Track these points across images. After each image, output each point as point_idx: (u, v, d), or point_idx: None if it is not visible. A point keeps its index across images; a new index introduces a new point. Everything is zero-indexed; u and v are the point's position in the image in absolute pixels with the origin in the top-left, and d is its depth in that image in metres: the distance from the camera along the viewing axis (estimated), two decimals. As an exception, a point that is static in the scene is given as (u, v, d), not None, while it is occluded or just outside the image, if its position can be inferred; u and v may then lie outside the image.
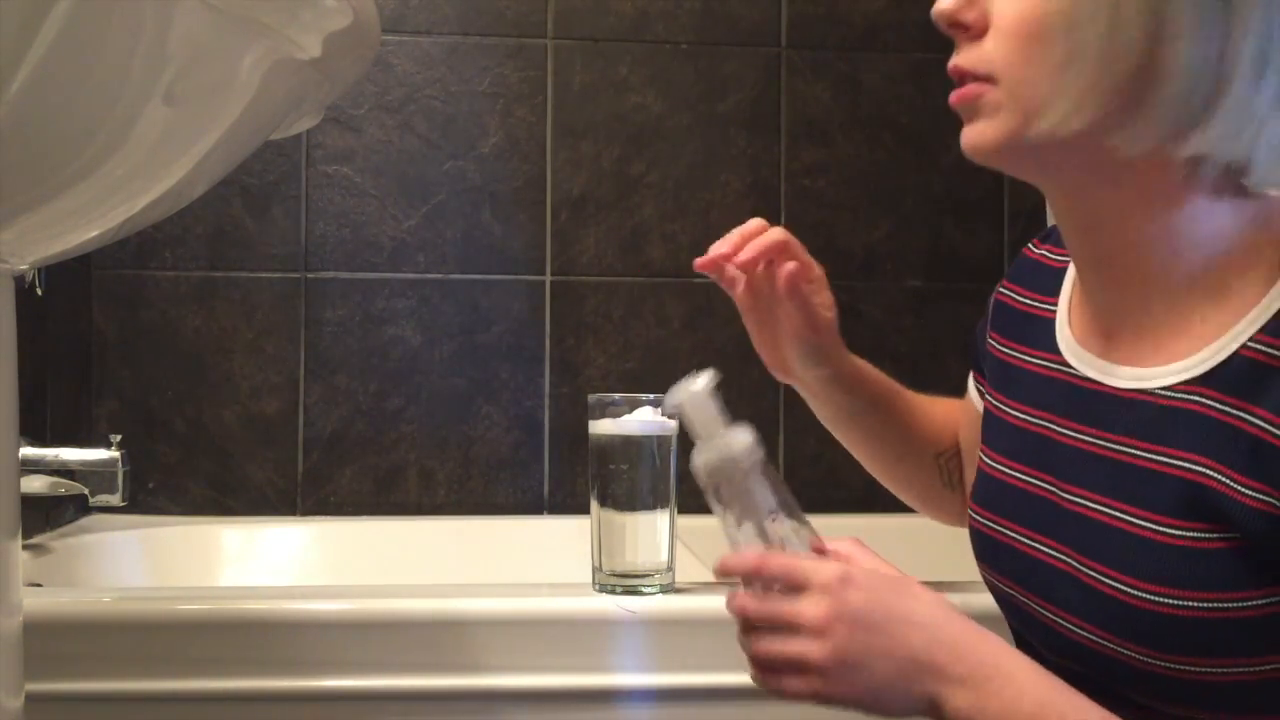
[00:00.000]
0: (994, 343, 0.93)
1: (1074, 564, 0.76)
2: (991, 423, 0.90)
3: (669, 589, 1.01)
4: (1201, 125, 0.70)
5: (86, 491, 1.39)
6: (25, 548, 1.33)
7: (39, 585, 1.22)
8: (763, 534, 0.80)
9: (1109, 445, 0.76)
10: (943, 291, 1.82)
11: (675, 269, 1.77)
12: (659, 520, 1.01)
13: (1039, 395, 0.84)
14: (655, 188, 1.78)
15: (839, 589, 0.74)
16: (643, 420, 1.02)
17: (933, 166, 1.81)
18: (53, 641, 0.92)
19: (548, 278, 1.76)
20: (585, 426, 1.03)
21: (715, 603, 1.00)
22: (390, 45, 1.72)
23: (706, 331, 1.78)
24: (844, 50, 1.79)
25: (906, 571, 0.80)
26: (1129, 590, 0.71)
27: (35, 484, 1.35)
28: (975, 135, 0.76)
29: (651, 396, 1.02)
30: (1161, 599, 0.70)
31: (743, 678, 0.97)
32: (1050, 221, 1.55)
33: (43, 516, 1.46)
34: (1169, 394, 0.73)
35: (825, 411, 1.04)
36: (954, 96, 0.76)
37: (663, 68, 1.78)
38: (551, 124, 1.76)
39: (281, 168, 1.72)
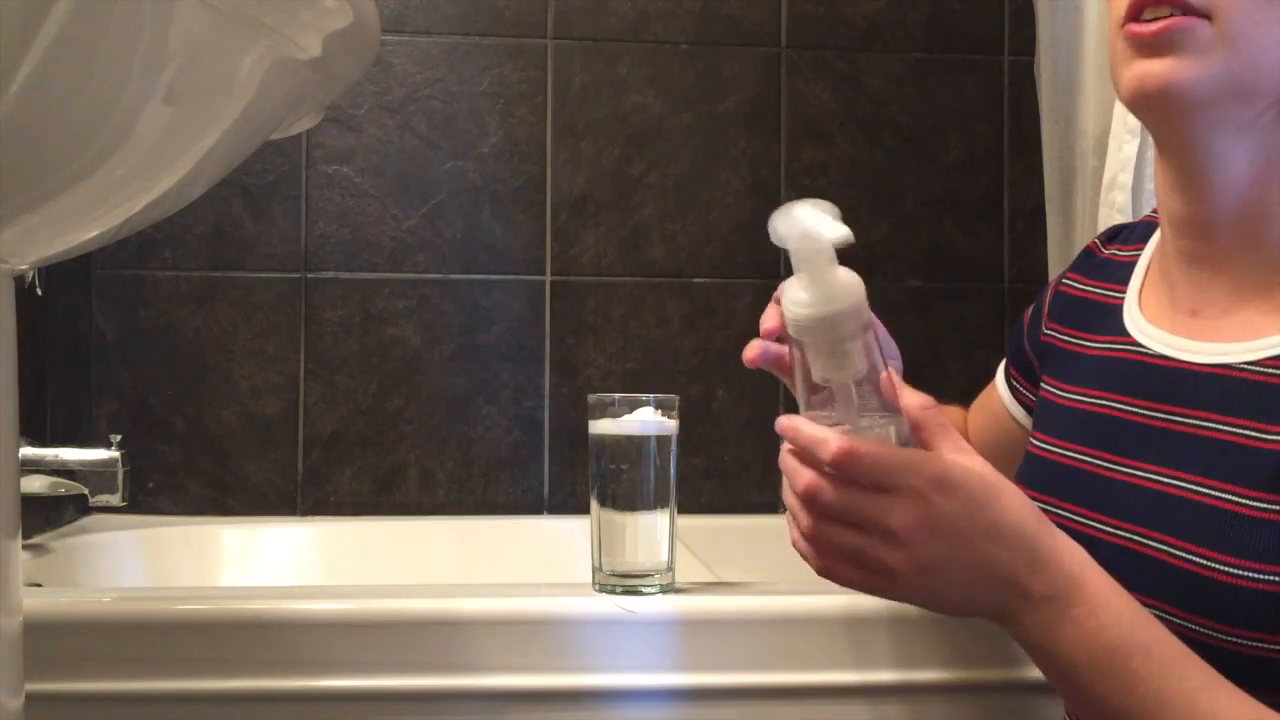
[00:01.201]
0: (1053, 332, 0.92)
1: (1140, 539, 0.74)
2: (1045, 409, 0.89)
3: (669, 589, 1.01)
4: None
5: (86, 491, 1.39)
6: (25, 548, 1.33)
7: (39, 585, 1.22)
8: (846, 400, 0.70)
9: (1185, 420, 0.75)
10: (943, 291, 1.82)
11: (675, 269, 1.77)
12: (659, 520, 1.01)
13: (1100, 377, 0.83)
14: (655, 188, 1.78)
15: (932, 494, 0.67)
16: (643, 420, 1.01)
17: (933, 166, 1.81)
18: (53, 641, 0.92)
19: (548, 278, 1.76)
20: (585, 426, 1.03)
21: (715, 603, 1.00)
22: (390, 45, 1.72)
23: (706, 331, 1.78)
24: (844, 50, 1.79)
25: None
26: (1210, 564, 0.70)
27: (35, 484, 1.35)
28: (1169, 71, 0.70)
29: (652, 396, 1.02)
30: (1247, 573, 0.68)
31: (744, 678, 0.98)
32: (1051, 223, 1.56)
33: (43, 516, 1.46)
34: (1258, 369, 0.72)
35: None
36: (1158, 25, 0.70)
37: (663, 68, 1.78)
38: (551, 124, 1.76)
39: (281, 168, 1.72)
